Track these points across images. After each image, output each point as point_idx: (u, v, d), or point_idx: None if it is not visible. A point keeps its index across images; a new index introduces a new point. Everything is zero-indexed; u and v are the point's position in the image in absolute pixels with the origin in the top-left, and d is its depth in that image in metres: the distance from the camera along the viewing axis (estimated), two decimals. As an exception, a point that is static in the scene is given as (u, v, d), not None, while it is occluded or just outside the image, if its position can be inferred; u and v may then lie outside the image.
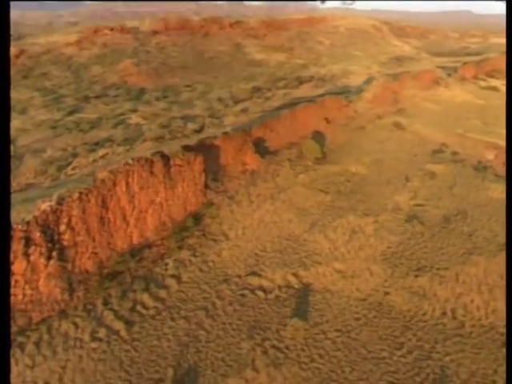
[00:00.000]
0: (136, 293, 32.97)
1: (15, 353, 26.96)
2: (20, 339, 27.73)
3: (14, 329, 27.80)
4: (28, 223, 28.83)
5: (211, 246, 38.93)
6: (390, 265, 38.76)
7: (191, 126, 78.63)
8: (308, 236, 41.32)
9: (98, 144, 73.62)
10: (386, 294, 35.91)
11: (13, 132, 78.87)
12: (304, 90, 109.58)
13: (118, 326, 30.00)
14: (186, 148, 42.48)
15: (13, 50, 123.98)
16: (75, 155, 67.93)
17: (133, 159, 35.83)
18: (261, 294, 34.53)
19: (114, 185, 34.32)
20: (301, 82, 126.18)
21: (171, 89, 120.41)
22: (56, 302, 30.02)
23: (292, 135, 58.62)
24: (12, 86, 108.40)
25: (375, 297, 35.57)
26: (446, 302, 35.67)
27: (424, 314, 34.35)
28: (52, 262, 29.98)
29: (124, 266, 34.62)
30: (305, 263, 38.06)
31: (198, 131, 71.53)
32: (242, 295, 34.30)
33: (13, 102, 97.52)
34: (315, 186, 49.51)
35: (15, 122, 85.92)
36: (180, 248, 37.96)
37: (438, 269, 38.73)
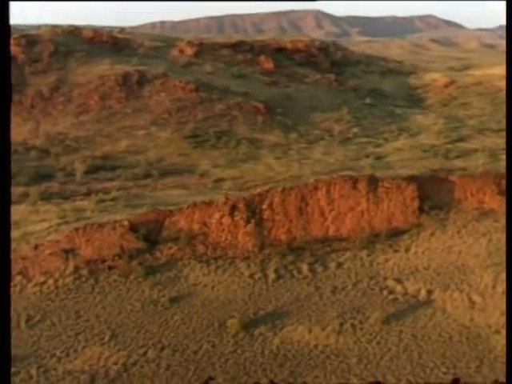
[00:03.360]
0: (302, 263, 47.29)
1: (210, 264, 46.10)
2: (211, 262, 46.79)
3: (212, 256, 47.05)
4: (238, 198, 47.40)
5: (388, 252, 48.97)
6: (533, 315, 41.00)
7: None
8: (479, 270, 46.17)
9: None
10: (496, 332, 39.45)
11: (382, 150, 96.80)
12: None
13: (271, 275, 45.35)
14: (410, 177, 52.88)
15: (443, 80, 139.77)
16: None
17: (338, 175, 49.76)
18: (385, 293, 43.76)
19: (316, 189, 49.20)
20: None
21: None
22: (246, 251, 47.60)
23: None
24: (426, 112, 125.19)
25: (481, 329, 39.76)
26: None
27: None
28: (250, 225, 47.70)
29: (310, 245, 49.18)
30: (448, 286, 44.30)
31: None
32: (371, 289, 44.33)
33: (413, 126, 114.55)
34: (546, 237, 50.96)
35: (397, 143, 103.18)
36: (363, 247, 49.53)
37: None
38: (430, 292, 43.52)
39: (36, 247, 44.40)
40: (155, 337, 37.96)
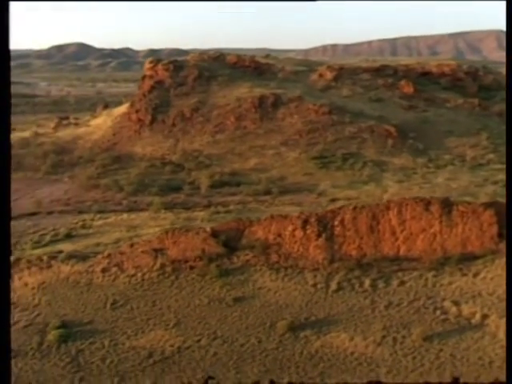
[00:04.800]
0: (367, 278, 50.02)
1: (280, 272, 50.73)
2: (281, 270, 51.35)
3: (283, 265, 51.67)
4: (310, 213, 51.65)
5: (455, 275, 49.63)
6: None
7: None
8: (546, 301, 45.38)
9: None
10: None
11: None
12: None
13: (333, 286, 48.78)
14: (489, 203, 53.07)
15: None
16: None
17: (410, 197, 51.82)
18: (438, 312, 44.99)
19: (387, 209, 51.74)
20: None
21: None
22: (316, 263, 51.43)
23: None
24: None
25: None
26: None
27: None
28: (321, 239, 51.65)
29: (378, 263, 51.61)
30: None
31: None
32: (425, 308, 45.75)
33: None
34: None
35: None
36: (432, 269, 50.67)
37: None
38: (485, 316, 43.92)
39: (132, 245, 52.70)
40: (211, 328, 43.65)
